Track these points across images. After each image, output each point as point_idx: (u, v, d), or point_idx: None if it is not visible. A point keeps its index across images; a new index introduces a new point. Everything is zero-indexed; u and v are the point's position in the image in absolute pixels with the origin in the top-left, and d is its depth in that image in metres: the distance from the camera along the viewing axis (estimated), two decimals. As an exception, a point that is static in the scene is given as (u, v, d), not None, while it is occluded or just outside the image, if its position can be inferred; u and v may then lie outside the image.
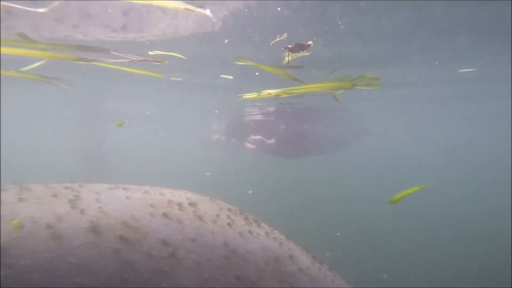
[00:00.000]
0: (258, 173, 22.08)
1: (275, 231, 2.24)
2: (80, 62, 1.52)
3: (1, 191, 1.83)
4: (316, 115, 13.49)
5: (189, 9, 1.49)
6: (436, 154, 32.48)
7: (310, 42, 2.01)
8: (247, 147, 12.26)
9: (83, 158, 18.48)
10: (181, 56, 4.55)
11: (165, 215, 1.82)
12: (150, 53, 2.00)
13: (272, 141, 11.67)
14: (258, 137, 11.68)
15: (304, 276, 1.97)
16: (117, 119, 17.83)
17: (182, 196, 2.17)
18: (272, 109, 12.80)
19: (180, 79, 8.26)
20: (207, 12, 1.51)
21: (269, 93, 2.11)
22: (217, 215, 2.02)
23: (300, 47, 1.97)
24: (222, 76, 7.26)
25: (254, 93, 2.24)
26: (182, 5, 1.44)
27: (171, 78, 8.12)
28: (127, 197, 1.94)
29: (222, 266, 1.72)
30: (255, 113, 14.09)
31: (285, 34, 2.18)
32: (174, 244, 1.68)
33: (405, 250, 8.63)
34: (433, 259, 8.20)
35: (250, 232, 2.01)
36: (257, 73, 7.00)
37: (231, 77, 7.47)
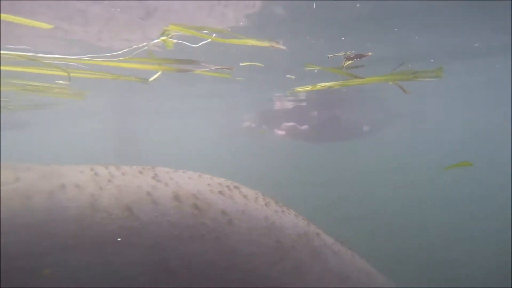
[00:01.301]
0: (288, 161, 22.33)
1: (300, 216, 2.63)
2: (181, 71, 1.81)
3: (107, 169, 2.36)
4: (349, 99, 13.29)
5: (273, 45, 1.65)
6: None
7: (369, 53, 2.17)
8: (278, 133, 12.52)
9: (120, 149, 19.78)
10: (260, 65, 4.87)
11: (220, 192, 2.29)
12: (241, 64, 2.23)
13: (305, 127, 11.87)
14: (291, 123, 11.89)
15: (329, 251, 2.33)
16: (149, 114, 18.77)
17: (226, 181, 2.61)
18: (303, 96, 12.82)
19: (243, 78, 8.66)
20: (281, 45, 1.69)
21: (324, 86, 2.26)
22: (256, 197, 2.44)
23: (359, 56, 2.13)
24: (287, 76, 7.53)
25: (308, 86, 2.38)
26: (266, 43, 1.62)
27: (237, 79, 8.53)
28: (189, 177, 2.42)
29: (265, 234, 2.14)
30: (286, 100, 14.13)
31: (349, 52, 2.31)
32: (230, 214, 2.13)
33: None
34: (433, 257, 7.99)
35: (282, 212, 2.41)
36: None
37: (293, 77, 7.83)
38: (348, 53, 2.11)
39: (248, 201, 2.33)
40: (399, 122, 17.56)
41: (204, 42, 1.97)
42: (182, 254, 1.95)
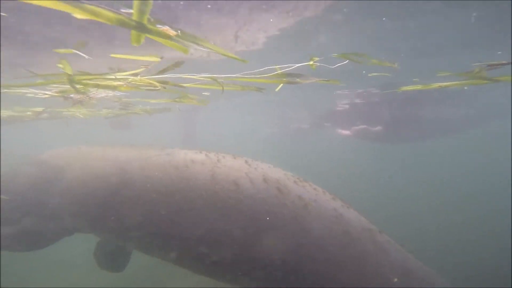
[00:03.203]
0: (346, 160, 21.93)
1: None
2: (286, 83, 2.36)
3: (211, 153, 2.81)
4: (429, 96, 11.85)
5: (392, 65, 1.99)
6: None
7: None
8: (341, 133, 12.32)
9: (183, 140, 22.45)
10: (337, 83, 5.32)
11: (294, 182, 2.63)
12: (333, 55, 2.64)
13: (378, 128, 11.42)
14: (362, 126, 11.58)
15: (392, 247, 2.44)
16: (211, 112, 20.63)
17: (294, 175, 2.87)
18: (376, 91, 11.80)
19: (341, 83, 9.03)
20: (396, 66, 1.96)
21: (440, 86, 2.32)
22: (323, 191, 2.70)
23: (499, 64, 1.94)
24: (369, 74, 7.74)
25: (418, 85, 2.46)
26: (386, 63, 2.02)
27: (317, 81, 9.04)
28: (268, 166, 2.79)
29: (334, 222, 2.37)
30: (354, 97, 13.02)
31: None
32: (305, 200, 2.45)
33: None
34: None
35: (347, 207, 2.63)
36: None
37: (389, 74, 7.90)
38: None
39: (318, 193, 2.58)
40: (490, 121, 15.20)
41: (341, 64, 2.38)
42: (269, 226, 2.29)
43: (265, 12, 4.09)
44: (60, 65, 1.82)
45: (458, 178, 16.77)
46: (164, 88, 2.53)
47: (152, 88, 2.75)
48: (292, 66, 1.73)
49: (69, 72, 1.84)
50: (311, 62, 1.65)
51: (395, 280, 2.23)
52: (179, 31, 1.32)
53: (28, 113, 4.91)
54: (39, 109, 4.60)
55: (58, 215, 2.90)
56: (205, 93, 3.67)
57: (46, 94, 2.58)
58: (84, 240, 3.41)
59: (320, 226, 2.31)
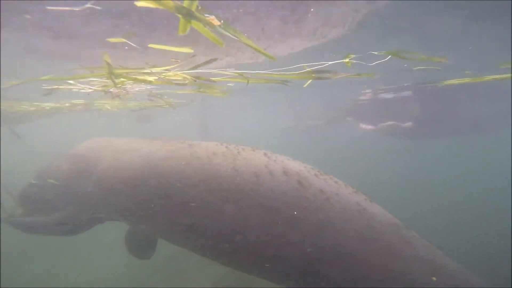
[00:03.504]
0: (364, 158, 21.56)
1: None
2: (322, 79, 2.40)
3: (230, 145, 2.82)
4: (464, 89, 11.04)
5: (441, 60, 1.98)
6: None
7: None
8: (364, 128, 11.98)
9: (200, 134, 23.03)
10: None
11: (315, 175, 2.59)
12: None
13: (408, 124, 10.75)
14: (390, 122, 10.96)
15: (420, 243, 2.35)
16: (227, 106, 20.92)
17: (314, 168, 2.82)
18: (406, 86, 11.16)
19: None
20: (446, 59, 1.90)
21: (495, 78, 2.25)
22: (345, 185, 2.63)
23: None
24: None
25: (466, 79, 2.41)
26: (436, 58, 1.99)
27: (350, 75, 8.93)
28: (287, 159, 2.74)
29: (357, 215, 2.31)
30: (381, 91, 12.38)
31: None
32: (327, 193, 2.38)
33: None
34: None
35: (370, 201, 2.56)
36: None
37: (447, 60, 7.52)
38: None
39: (340, 186, 2.53)
40: None
41: (380, 62, 2.32)
42: (289, 218, 2.26)
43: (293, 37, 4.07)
44: (104, 59, 1.95)
45: (470, 177, 16.04)
46: (195, 81, 2.64)
47: (181, 82, 2.88)
48: (324, 64, 1.75)
49: (109, 62, 1.96)
50: (347, 60, 1.65)
51: (433, 279, 2.16)
52: (222, 21, 1.40)
53: (67, 104, 5.23)
54: (80, 101, 4.90)
55: (92, 204, 3.06)
56: (230, 84, 3.77)
57: (91, 88, 2.76)
58: (114, 228, 3.63)
59: (342, 219, 2.26)
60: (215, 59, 2.40)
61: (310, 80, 2.22)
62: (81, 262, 6.82)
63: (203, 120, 23.89)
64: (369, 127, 11.81)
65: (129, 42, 1.89)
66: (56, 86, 2.72)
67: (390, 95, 12.28)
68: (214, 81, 2.69)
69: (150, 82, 2.77)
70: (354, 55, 1.68)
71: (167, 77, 2.66)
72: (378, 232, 2.26)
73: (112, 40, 1.91)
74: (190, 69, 2.47)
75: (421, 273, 2.18)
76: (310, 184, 2.41)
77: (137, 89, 3.10)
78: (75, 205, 3.18)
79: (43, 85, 2.70)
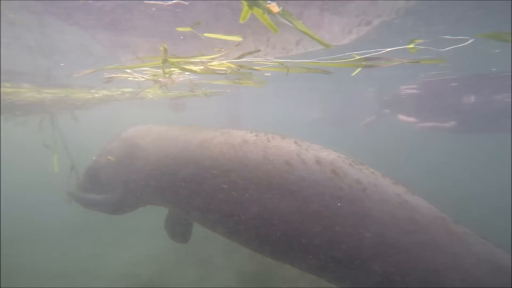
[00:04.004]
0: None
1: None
2: (370, 67, 2.30)
3: (260, 133, 2.82)
4: None
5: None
6: None
7: None
8: (404, 120, 11.38)
9: (228, 123, 23.55)
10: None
11: (350, 164, 2.45)
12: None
13: (450, 124, 10.17)
14: (430, 124, 10.33)
15: (472, 238, 2.17)
16: (254, 96, 20.99)
17: (348, 157, 2.70)
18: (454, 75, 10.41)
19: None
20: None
21: None
22: (383, 176, 2.49)
23: None
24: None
25: None
26: None
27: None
28: (319, 148, 2.66)
29: (397, 208, 2.18)
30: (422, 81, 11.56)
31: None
32: (364, 184, 2.28)
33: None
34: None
35: (412, 194, 2.40)
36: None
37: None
38: None
39: (377, 177, 2.41)
40: None
41: (452, 47, 2.14)
42: (323, 208, 2.19)
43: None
44: (161, 48, 2.09)
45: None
46: (238, 70, 2.71)
47: (223, 72, 2.97)
48: (380, 51, 1.70)
49: (166, 50, 2.07)
50: (411, 45, 1.57)
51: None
52: (281, 8, 1.44)
53: (118, 93, 5.66)
54: (129, 89, 5.28)
55: (137, 188, 3.25)
56: (267, 74, 3.79)
57: (143, 77, 2.97)
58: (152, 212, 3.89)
59: (381, 211, 2.15)
60: (259, 50, 2.44)
61: (359, 69, 2.15)
62: (122, 243, 7.47)
63: (232, 109, 24.40)
64: (409, 119, 11.08)
65: (195, 31, 1.96)
66: (115, 75, 2.97)
67: (440, 87, 11.18)
68: (258, 70, 2.74)
69: (195, 72, 2.90)
70: (421, 40, 1.58)
71: (211, 67, 2.76)
72: (422, 225, 2.13)
73: (180, 29, 2.01)
74: (235, 59, 2.55)
75: (477, 271, 2.02)
76: (345, 173, 2.33)
77: (181, 78, 3.26)
78: (123, 187, 3.43)
79: (104, 74, 2.96)
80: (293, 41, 5.31)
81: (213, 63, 2.73)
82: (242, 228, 2.49)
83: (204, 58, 2.55)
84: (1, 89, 4.49)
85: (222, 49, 2.59)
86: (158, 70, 2.88)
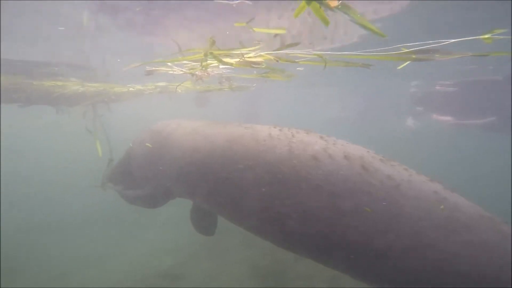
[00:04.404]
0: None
1: None
2: (416, 60, 2.18)
3: (284, 128, 2.79)
4: None
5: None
6: None
7: None
8: (438, 118, 10.92)
9: (247, 119, 23.76)
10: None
11: (380, 160, 2.34)
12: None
13: (490, 120, 9.69)
14: (476, 113, 9.83)
15: None
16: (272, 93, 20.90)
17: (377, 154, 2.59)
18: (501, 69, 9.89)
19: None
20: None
21: None
22: (417, 172, 2.36)
23: None
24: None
25: None
26: None
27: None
28: (346, 143, 2.58)
29: (435, 206, 2.07)
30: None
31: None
32: (397, 180, 2.17)
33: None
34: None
35: (452, 191, 2.26)
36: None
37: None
38: None
39: (411, 173, 2.29)
40: None
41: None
42: (352, 204, 2.12)
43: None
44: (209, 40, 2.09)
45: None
46: (277, 61, 2.68)
47: (256, 65, 2.95)
48: (442, 42, 1.59)
49: (214, 43, 2.07)
50: (487, 36, 1.45)
51: None
52: (340, 1, 1.40)
53: (152, 86, 5.85)
54: (162, 83, 5.44)
55: (167, 183, 3.31)
56: (299, 68, 3.75)
57: (182, 70, 3.03)
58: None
59: (417, 209, 2.04)
60: (298, 43, 2.40)
61: (407, 62, 2.05)
62: (140, 233, 7.73)
63: (251, 105, 24.51)
64: (445, 118, 10.58)
65: (247, 25, 1.94)
66: (155, 68, 3.05)
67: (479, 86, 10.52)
68: (297, 62, 2.69)
69: (231, 64, 2.90)
70: (502, 30, 1.46)
71: (247, 59, 2.75)
72: (464, 224, 2.01)
73: (238, 24, 2.04)
74: (274, 50, 2.52)
75: None
76: (376, 169, 2.22)
77: (216, 72, 3.29)
78: (154, 182, 3.51)
79: (146, 66, 3.05)
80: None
81: (250, 54, 2.72)
82: (268, 223, 2.46)
83: (244, 50, 2.54)
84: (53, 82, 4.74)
85: (260, 42, 2.58)
86: (196, 63, 2.91)
